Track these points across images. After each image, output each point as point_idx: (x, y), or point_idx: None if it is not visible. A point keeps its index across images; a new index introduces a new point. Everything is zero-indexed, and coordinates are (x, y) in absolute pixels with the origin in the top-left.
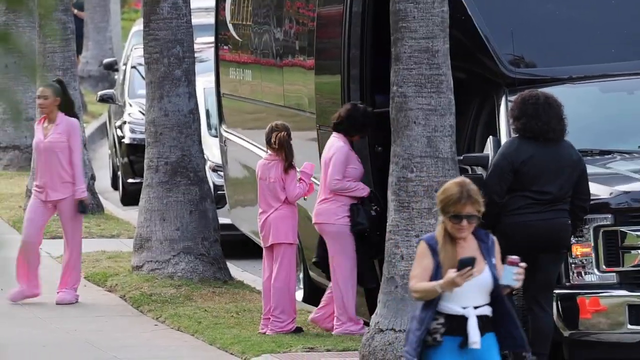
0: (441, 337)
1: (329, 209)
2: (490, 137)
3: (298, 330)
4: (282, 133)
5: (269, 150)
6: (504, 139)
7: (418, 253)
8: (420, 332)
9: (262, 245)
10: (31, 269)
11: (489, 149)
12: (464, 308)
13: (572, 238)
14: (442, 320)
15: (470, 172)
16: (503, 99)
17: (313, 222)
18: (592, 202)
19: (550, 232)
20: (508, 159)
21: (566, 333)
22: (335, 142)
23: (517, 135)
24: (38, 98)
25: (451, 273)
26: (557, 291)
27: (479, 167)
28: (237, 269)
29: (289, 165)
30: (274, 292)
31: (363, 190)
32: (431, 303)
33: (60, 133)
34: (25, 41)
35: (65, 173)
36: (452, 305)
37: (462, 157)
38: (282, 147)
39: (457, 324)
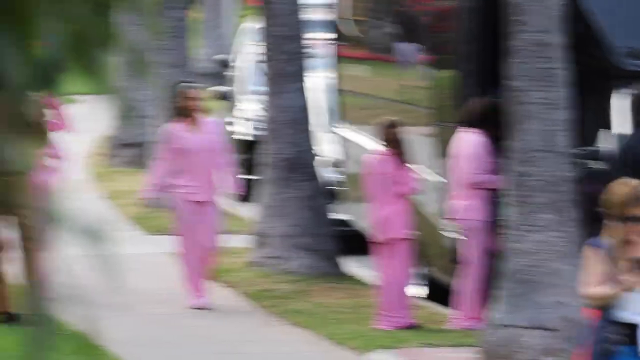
0: (617, 346)
1: (470, 205)
2: (604, 130)
3: (414, 325)
4: (396, 128)
5: (382, 146)
6: (617, 132)
7: (588, 258)
8: (597, 343)
9: (377, 240)
10: (203, 274)
11: (602, 142)
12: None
13: None
14: (617, 328)
15: (586, 167)
16: (618, 92)
17: (450, 217)
18: None
19: None
20: (632, 151)
21: None
22: (474, 137)
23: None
24: (191, 99)
25: (629, 276)
26: None
27: (592, 161)
28: (353, 265)
29: (404, 160)
30: (390, 287)
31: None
32: (606, 311)
33: (212, 133)
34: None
35: (216, 173)
36: (626, 313)
37: (576, 151)
38: (397, 142)
39: (631, 332)
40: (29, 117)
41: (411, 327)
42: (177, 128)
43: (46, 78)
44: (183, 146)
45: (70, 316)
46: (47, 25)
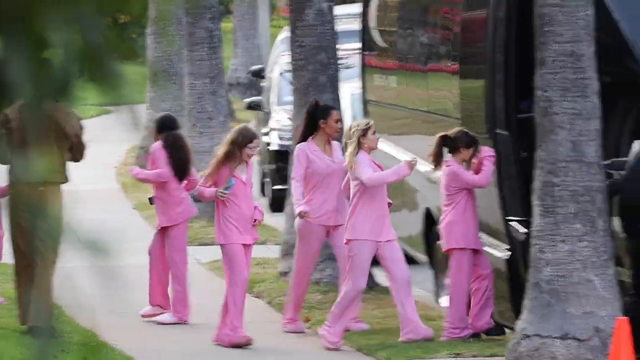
0: None
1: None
2: (635, 141)
3: (476, 335)
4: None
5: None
6: None
7: None
8: None
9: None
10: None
11: (634, 153)
12: None
13: None
14: None
15: (616, 177)
16: None
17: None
18: None
19: None
20: None
21: None
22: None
23: None
24: (337, 122)
25: None
26: None
27: (622, 172)
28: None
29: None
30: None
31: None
32: None
33: (339, 156)
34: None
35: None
36: None
37: (609, 162)
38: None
39: None
40: (46, 127)
41: (473, 336)
42: (313, 149)
43: (60, 88)
44: (318, 169)
45: (76, 325)
46: (60, 35)
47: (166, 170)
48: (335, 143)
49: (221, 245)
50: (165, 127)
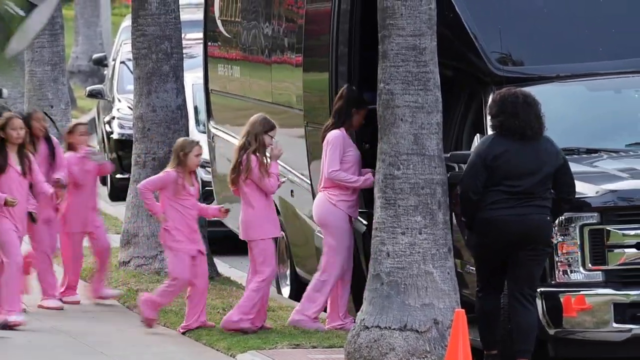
0: None
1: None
2: (477, 135)
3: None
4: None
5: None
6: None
7: None
8: None
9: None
10: None
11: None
12: None
13: (555, 235)
14: None
15: (457, 170)
16: (490, 97)
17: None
18: (578, 200)
19: (524, 227)
20: (482, 155)
21: (551, 331)
22: (334, 133)
23: (493, 132)
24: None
25: None
26: (541, 289)
27: (464, 165)
28: (224, 265)
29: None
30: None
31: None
32: None
33: None
34: None
35: None
36: None
37: (449, 155)
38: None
39: None
40: None
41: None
42: (346, 136)
43: None
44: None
45: None
46: None
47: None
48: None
49: None
50: None
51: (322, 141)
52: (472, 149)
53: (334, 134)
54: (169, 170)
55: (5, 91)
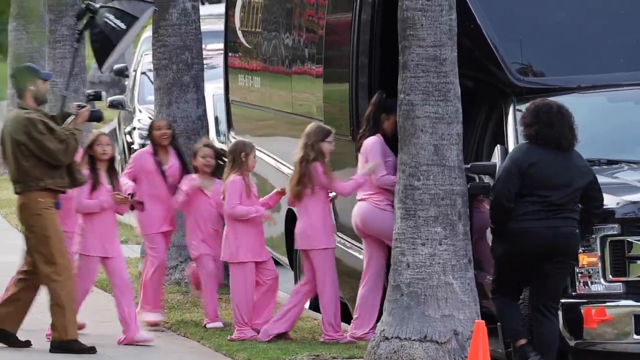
0: None
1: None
2: (498, 145)
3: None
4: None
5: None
6: (511, 147)
7: None
8: None
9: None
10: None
11: (496, 157)
12: None
13: (579, 247)
14: None
15: (477, 181)
16: (511, 107)
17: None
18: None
19: (554, 239)
20: (517, 162)
21: (572, 342)
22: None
23: (527, 141)
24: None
25: None
26: (562, 300)
27: (486, 176)
28: None
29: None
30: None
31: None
32: None
33: None
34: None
35: None
36: None
37: (469, 166)
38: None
39: None
40: None
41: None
42: (384, 142)
43: None
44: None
45: None
46: None
47: None
48: None
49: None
50: None
51: (358, 149)
52: (493, 159)
53: (373, 140)
54: (232, 177)
55: (104, 94)
